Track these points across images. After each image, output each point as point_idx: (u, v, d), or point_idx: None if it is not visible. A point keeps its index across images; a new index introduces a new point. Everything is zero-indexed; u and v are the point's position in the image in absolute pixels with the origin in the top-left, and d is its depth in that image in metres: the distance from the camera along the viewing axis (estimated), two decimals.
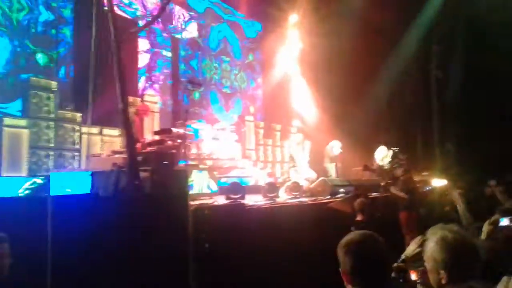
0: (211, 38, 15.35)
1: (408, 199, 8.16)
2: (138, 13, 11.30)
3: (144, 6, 11.17)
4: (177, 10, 12.35)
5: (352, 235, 2.18)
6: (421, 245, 2.80)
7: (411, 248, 3.39)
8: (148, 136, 9.62)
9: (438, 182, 11.07)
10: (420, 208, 8.30)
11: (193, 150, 10.42)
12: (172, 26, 12.22)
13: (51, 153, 8.77)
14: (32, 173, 8.31)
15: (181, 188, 5.58)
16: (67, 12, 10.52)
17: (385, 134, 13.78)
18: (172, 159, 6.66)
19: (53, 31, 10.23)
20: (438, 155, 14.74)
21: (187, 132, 8.68)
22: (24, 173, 8.22)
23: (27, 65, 9.60)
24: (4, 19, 9.33)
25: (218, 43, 15.64)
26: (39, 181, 7.54)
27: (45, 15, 10.08)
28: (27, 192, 7.26)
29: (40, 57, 9.90)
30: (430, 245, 2.30)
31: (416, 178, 10.19)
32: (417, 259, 3.02)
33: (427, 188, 10.71)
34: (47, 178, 7.26)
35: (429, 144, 15.28)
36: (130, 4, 11.35)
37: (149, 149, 7.56)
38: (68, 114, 9.29)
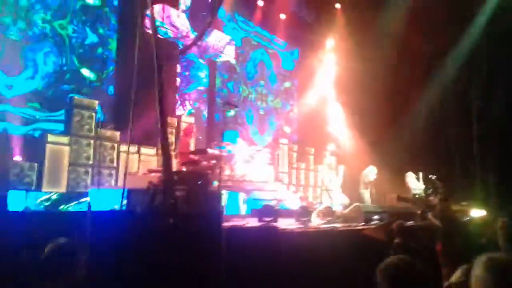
0: (248, 65, 15.63)
1: (445, 229, 7.90)
2: (170, 33, 11.57)
3: (174, 27, 11.45)
4: (215, 34, 12.64)
5: (391, 259, 2.16)
6: (467, 274, 2.71)
7: (457, 275, 3.29)
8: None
9: (477, 213, 10.71)
10: (458, 239, 8.02)
11: (227, 172, 10.52)
12: (210, 49, 12.51)
13: (90, 170, 9.02)
14: (70, 189, 8.57)
15: (215, 208, 5.63)
16: (113, 37, 11.03)
17: (422, 162, 13.47)
18: (207, 179, 6.74)
19: (99, 50, 10.71)
20: (478, 185, 14.25)
21: (222, 153, 8.78)
22: (63, 189, 8.48)
23: (71, 80, 10.16)
24: (53, 34, 9.87)
25: (255, 70, 15.89)
26: (54, 196, 7.79)
27: (91, 37, 10.60)
28: (42, 205, 7.53)
29: (86, 73, 10.45)
30: (477, 270, 2.21)
31: (454, 208, 9.88)
32: None
33: (466, 219, 10.36)
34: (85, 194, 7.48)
35: (468, 173, 14.82)
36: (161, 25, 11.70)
37: (184, 168, 7.68)
38: (108, 133, 9.58)
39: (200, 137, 12.02)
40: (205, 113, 12.68)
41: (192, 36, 11.60)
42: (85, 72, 10.52)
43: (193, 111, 12.33)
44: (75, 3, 10.37)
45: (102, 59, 10.76)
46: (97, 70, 10.68)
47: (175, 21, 11.39)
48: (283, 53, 17.35)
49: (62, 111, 9.53)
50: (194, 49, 11.93)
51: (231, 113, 13.82)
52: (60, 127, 9.45)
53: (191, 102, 12.54)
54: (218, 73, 14.23)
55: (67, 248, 2.44)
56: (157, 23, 10.32)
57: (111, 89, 11.01)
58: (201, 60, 12.41)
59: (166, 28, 11.09)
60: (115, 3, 11.27)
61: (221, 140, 9.26)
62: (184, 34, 11.54)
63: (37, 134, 9.42)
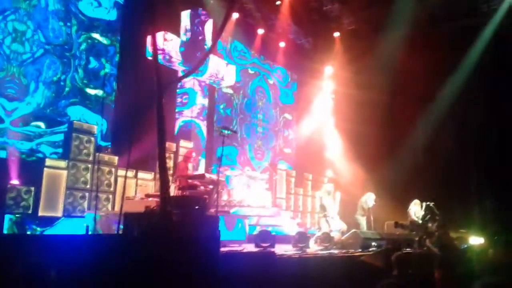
0: (247, 96, 15.83)
1: (443, 256, 7.85)
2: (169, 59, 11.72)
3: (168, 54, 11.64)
4: (214, 59, 12.81)
5: (384, 283, 2.15)
6: None
7: None
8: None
9: (476, 240, 10.65)
10: (457, 266, 7.96)
11: (224, 197, 10.50)
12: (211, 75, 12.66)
13: (87, 194, 9.00)
14: (67, 213, 8.54)
15: (212, 233, 5.60)
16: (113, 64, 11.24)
17: (420, 188, 13.46)
18: (204, 204, 6.72)
19: (102, 72, 10.92)
20: (476, 211, 14.21)
21: (219, 179, 8.78)
22: (59, 213, 8.46)
23: (73, 95, 10.45)
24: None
25: (253, 100, 16.07)
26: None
27: (93, 63, 10.79)
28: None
29: (88, 91, 10.76)
30: None
31: (453, 235, 9.83)
32: None
33: (464, 246, 10.30)
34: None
35: (466, 200, 14.78)
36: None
37: (182, 193, 7.67)
38: (106, 157, 9.60)
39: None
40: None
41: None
42: (88, 90, 10.73)
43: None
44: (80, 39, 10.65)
45: (103, 81, 10.92)
46: (99, 88, 10.84)
47: (175, 49, 11.55)
48: (283, 90, 17.59)
49: (65, 126, 9.71)
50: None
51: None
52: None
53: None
54: (218, 101, 14.40)
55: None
56: (158, 51, 10.54)
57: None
58: (198, 88, 12.51)
59: (167, 56, 11.24)
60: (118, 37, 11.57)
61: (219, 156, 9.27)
62: (184, 61, 11.69)
63: (41, 148, 9.61)
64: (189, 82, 12.25)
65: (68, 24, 10.43)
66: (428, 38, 14.49)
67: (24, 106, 9.54)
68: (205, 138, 12.29)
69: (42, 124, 9.80)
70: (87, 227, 6.27)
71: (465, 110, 15.22)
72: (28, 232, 7.63)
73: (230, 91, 14.96)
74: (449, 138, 15.11)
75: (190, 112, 12.10)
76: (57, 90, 10.16)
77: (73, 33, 10.55)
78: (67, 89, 10.34)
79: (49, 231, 7.98)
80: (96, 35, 11.03)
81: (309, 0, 14.66)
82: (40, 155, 9.61)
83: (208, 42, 12.33)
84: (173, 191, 7.67)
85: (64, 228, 8.18)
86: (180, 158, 10.15)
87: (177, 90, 12.19)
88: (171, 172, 10.18)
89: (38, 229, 7.95)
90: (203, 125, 12.38)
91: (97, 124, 10.00)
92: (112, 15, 11.47)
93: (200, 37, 12.33)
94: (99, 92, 10.76)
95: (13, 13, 9.48)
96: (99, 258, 3.74)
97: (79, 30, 10.67)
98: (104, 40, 11.16)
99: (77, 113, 10.50)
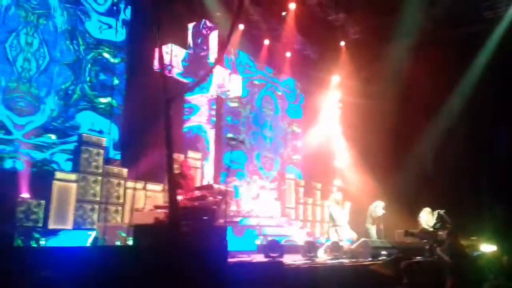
0: (255, 116, 15.94)
1: (455, 264, 7.78)
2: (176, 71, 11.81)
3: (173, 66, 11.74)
4: (220, 70, 12.88)
5: None
6: None
7: None
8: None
9: (488, 248, 10.53)
10: (468, 274, 7.87)
11: (233, 207, 10.51)
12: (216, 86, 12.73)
13: (96, 206, 9.06)
14: (77, 226, 8.60)
15: (220, 244, 5.61)
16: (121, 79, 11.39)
17: (430, 196, 13.36)
18: (213, 214, 6.74)
19: (110, 84, 11.12)
20: (487, 218, 14.05)
21: (228, 189, 8.80)
22: (69, 226, 8.52)
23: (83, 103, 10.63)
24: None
25: (260, 112, 16.13)
26: None
27: (102, 77, 10.94)
28: None
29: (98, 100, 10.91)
30: None
31: (464, 243, 9.74)
32: None
33: (476, 254, 10.18)
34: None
35: (477, 207, 14.64)
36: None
37: (190, 204, 7.69)
38: (115, 169, 9.66)
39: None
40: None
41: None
42: (97, 99, 10.90)
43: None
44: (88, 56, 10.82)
45: (112, 91, 11.05)
46: (108, 96, 10.99)
47: (179, 61, 11.65)
48: (291, 105, 17.65)
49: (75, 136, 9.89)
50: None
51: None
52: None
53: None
54: (224, 114, 14.48)
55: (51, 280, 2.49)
56: (166, 62, 10.64)
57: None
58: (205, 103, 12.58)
59: (171, 67, 11.32)
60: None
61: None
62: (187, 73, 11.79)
63: (55, 158, 9.77)
64: (196, 99, 12.32)
65: (75, 42, 10.58)
66: (434, 46, 14.48)
67: (36, 118, 9.66)
68: (208, 141, 12.27)
69: (53, 136, 9.93)
70: (97, 239, 6.33)
71: (474, 117, 15.14)
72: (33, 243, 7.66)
73: (237, 104, 15.02)
74: (458, 146, 15.02)
75: (198, 117, 12.14)
76: (66, 97, 10.31)
77: (82, 51, 10.70)
78: (76, 96, 10.48)
79: (52, 242, 7.98)
80: (105, 54, 11.18)
81: (314, 10, 14.72)
82: (54, 165, 9.77)
83: (212, 53, 12.37)
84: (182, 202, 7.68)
85: (67, 239, 8.21)
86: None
87: (184, 104, 12.25)
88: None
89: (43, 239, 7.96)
90: (209, 131, 12.38)
91: (108, 133, 10.13)
92: (121, 36, 11.61)
93: (202, 49, 12.39)
94: (108, 100, 10.90)
95: (24, 27, 9.65)
96: (109, 269, 3.77)
97: (87, 49, 10.82)
98: (112, 59, 11.30)
99: (87, 119, 10.63)
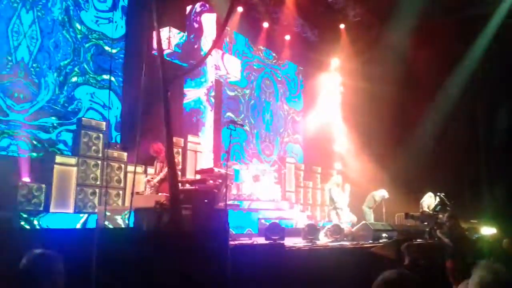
0: (254, 104, 15.83)
1: (455, 246, 7.82)
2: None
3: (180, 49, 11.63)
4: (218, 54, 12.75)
5: (389, 273, 2.12)
6: None
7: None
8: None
9: (487, 230, 10.59)
10: (468, 256, 7.92)
11: (233, 191, 10.52)
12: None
13: (97, 190, 9.06)
14: (78, 210, 8.61)
15: (221, 227, 5.61)
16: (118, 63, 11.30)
17: (430, 179, 13.39)
18: (213, 198, 6.74)
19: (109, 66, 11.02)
20: (487, 201, 14.11)
21: (228, 172, 8.78)
22: (70, 209, 8.52)
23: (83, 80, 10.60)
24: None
25: (260, 99, 16.05)
26: None
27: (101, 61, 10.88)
28: None
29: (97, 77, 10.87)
30: (471, 284, 2.23)
31: (464, 225, 9.78)
32: None
33: (476, 236, 10.24)
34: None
35: (478, 190, 14.69)
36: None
37: (191, 187, 7.68)
38: (115, 153, 9.65)
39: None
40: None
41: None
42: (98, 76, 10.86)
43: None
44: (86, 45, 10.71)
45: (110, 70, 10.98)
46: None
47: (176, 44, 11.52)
48: (292, 97, 17.55)
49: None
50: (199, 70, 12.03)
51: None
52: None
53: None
54: (223, 99, 14.39)
55: (43, 259, 2.48)
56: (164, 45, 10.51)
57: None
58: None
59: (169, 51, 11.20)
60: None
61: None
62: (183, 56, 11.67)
63: (62, 136, 9.82)
64: (193, 92, 12.17)
65: (73, 34, 10.46)
66: (435, 28, 14.36)
67: (37, 100, 9.60)
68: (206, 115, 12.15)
69: (55, 118, 9.90)
70: (98, 222, 6.32)
71: (475, 99, 15.11)
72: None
73: (236, 92, 14.93)
74: (460, 128, 15.00)
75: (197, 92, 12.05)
76: (66, 74, 10.21)
77: (79, 39, 10.59)
78: (75, 74, 10.39)
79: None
80: (105, 47, 11.07)
81: None
82: (61, 145, 9.79)
83: (206, 37, 12.18)
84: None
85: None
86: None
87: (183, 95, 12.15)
88: (180, 167, 10.22)
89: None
90: (208, 113, 12.27)
91: (110, 107, 10.22)
92: (120, 32, 11.47)
93: (196, 32, 12.22)
94: (108, 77, 10.86)
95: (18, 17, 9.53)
96: (109, 251, 3.77)
97: (84, 38, 10.70)
98: (111, 49, 11.17)
99: (86, 93, 10.56)
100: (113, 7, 11.34)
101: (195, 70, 11.47)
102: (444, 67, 14.90)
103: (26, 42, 9.57)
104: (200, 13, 12.29)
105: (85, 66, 10.61)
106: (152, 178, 8.57)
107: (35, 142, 9.41)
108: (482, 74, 15.02)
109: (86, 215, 8.49)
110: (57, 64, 10.07)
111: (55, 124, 9.87)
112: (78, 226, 8.23)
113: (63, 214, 8.25)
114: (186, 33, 11.92)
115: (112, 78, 11.12)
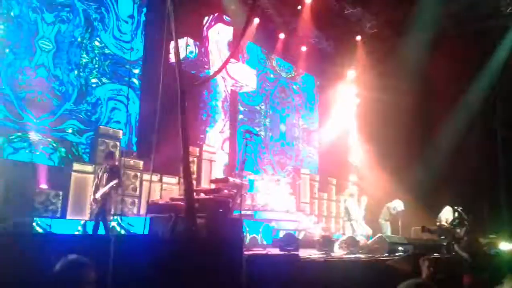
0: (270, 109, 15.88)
1: (473, 261, 7.66)
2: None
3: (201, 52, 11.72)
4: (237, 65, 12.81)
5: (408, 283, 2.10)
6: None
7: None
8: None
9: (506, 246, 10.36)
10: (486, 272, 7.75)
11: (248, 201, 10.51)
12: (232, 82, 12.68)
13: None
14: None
15: (235, 236, 5.60)
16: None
17: (448, 193, 13.18)
18: (228, 207, 6.73)
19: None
20: (506, 216, 13.82)
21: (243, 183, 8.79)
22: (86, 216, 8.58)
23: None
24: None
25: (275, 109, 16.09)
26: None
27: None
28: None
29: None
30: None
31: (482, 240, 9.59)
32: None
33: (494, 251, 10.03)
34: None
35: (496, 204, 14.40)
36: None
37: (205, 196, 7.69)
38: (131, 162, 9.72)
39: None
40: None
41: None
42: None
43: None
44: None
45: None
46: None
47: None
48: (307, 106, 17.55)
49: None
50: (216, 80, 12.11)
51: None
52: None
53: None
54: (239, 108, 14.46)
55: (77, 264, 2.49)
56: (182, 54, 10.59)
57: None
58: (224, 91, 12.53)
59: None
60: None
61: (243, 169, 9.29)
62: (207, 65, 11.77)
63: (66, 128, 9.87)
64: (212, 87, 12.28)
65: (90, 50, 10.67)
66: (452, 40, 14.24)
67: (60, 107, 9.78)
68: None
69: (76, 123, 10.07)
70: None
71: (493, 111, 14.88)
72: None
73: (252, 102, 15.00)
74: (477, 141, 14.77)
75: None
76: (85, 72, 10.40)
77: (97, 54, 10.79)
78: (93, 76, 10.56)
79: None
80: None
81: (330, 4, 14.58)
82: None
83: (214, 47, 12.24)
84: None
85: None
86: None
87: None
88: (194, 176, 10.26)
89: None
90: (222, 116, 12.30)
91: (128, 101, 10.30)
92: (138, 54, 11.64)
93: (209, 42, 12.33)
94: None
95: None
96: (124, 257, 3.79)
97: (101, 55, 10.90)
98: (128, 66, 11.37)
99: (105, 90, 10.73)
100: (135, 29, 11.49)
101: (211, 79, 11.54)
102: (462, 79, 14.73)
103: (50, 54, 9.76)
104: (215, 23, 12.41)
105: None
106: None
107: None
108: (500, 85, 14.81)
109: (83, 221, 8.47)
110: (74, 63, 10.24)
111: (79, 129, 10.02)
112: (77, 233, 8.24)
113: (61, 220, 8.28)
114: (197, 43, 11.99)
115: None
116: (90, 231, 7.44)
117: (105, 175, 7.19)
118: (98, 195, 7.06)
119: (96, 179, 7.31)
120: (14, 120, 9.02)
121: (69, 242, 3.97)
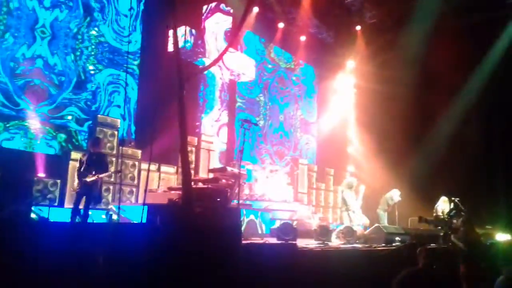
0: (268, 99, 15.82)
1: (469, 251, 7.71)
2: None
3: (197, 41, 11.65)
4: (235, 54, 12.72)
5: (407, 272, 2.12)
6: None
7: None
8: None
9: (502, 237, 10.43)
10: (482, 262, 7.81)
11: (246, 191, 10.52)
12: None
13: (111, 187, 9.12)
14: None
15: (233, 225, 5.62)
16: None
17: (445, 183, 13.21)
18: (226, 197, 6.75)
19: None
20: (503, 207, 13.88)
21: (241, 172, 8.79)
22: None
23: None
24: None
25: (273, 98, 16.05)
26: None
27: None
28: None
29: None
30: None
31: (479, 231, 9.65)
32: None
33: (490, 242, 10.10)
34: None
35: (493, 196, 14.46)
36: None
37: (203, 186, 7.71)
38: (129, 151, 9.71)
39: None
40: None
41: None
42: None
43: None
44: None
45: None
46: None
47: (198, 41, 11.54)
48: (305, 105, 17.51)
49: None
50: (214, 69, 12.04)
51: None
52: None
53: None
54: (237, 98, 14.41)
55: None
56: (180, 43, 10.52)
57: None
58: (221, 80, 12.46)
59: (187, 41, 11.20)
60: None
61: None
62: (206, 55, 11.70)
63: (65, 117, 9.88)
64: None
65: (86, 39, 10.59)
66: (452, 31, 14.18)
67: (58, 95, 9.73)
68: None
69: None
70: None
71: (491, 103, 14.87)
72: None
73: (249, 91, 14.94)
74: (475, 132, 14.78)
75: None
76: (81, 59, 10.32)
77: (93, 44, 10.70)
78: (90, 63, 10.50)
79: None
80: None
81: None
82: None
83: (211, 37, 12.16)
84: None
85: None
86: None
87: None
88: (193, 165, 10.26)
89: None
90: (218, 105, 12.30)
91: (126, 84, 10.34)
92: (136, 45, 11.55)
93: (206, 32, 12.23)
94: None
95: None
96: (122, 246, 3.80)
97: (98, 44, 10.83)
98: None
99: (104, 75, 10.68)
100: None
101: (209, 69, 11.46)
102: (460, 70, 14.70)
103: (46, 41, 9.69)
104: (213, 13, 12.30)
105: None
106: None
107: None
108: (499, 77, 14.78)
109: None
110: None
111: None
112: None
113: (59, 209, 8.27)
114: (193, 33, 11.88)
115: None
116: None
117: (92, 162, 6.90)
118: (89, 180, 6.79)
119: (83, 165, 6.92)
120: (11, 107, 8.99)
121: (65, 230, 3.98)
